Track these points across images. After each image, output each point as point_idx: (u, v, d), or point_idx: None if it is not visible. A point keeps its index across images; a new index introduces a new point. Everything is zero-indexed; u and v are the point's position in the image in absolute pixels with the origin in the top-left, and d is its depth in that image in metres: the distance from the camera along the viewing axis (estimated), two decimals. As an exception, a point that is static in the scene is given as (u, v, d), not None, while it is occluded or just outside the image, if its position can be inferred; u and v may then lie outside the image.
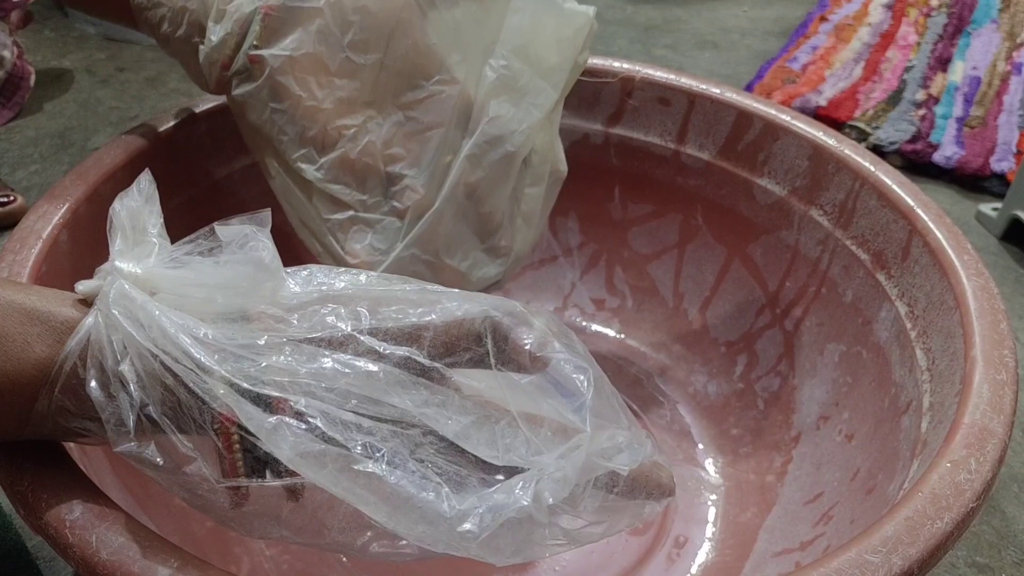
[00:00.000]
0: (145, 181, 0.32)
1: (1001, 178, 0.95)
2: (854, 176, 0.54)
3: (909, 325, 0.48)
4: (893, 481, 0.43)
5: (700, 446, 0.60)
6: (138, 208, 0.31)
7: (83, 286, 0.30)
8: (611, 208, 0.67)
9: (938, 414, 0.42)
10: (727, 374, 0.63)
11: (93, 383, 0.28)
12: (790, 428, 0.57)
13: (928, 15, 1.24)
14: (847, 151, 0.55)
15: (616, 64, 0.63)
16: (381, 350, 0.28)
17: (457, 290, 0.31)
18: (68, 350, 0.28)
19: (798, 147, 0.57)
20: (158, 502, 0.45)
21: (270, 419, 0.27)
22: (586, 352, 0.30)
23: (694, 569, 0.52)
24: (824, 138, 0.56)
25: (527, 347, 0.29)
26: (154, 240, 0.31)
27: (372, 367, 0.28)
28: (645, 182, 0.65)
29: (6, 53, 0.94)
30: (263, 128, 0.43)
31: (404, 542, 0.29)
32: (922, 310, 0.48)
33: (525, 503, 0.27)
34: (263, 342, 0.28)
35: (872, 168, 0.53)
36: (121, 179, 0.50)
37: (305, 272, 0.31)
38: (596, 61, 0.63)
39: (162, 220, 0.31)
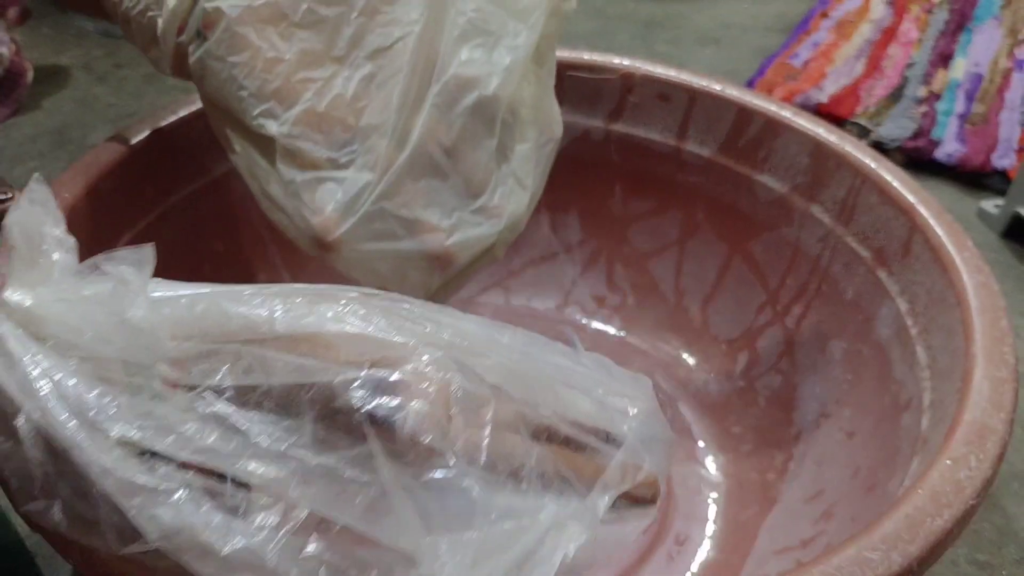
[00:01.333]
0: (36, 187, 0.30)
1: (1003, 175, 0.95)
2: (855, 173, 0.54)
3: (910, 322, 0.48)
4: (893, 478, 0.43)
5: (701, 444, 0.60)
6: (32, 220, 0.29)
7: None
8: (612, 205, 0.67)
9: (938, 411, 0.42)
10: (728, 372, 0.63)
11: None
12: (791, 426, 0.57)
13: (930, 11, 1.24)
14: (848, 148, 0.55)
15: (617, 60, 0.62)
16: (266, 448, 0.26)
17: (358, 334, 0.27)
18: None
19: (799, 144, 0.57)
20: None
21: (135, 500, 0.25)
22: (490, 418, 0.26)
23: (694, 567, 0.52)
24: (825, 135, 0.56)
25: (419, 441, 0.25)
26: (53, 256, 0.29)
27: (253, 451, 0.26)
28: (646, 179, 0.65)
29: (3, 50, 0.93)
30: (223, 89, 0.41)
31: None
32: (923, 307, 0.47)
33: None
34: (141, 408, 0.26)
35: (873, 165, 0.53)
36: (119, 176, 0.50)
37: (201, 307, 0.28)
38: (596, 57, 0.63)
39: (63, 224, 0.29)
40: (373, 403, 0.26)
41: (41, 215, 0.29)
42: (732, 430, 0.60)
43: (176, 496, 0.25)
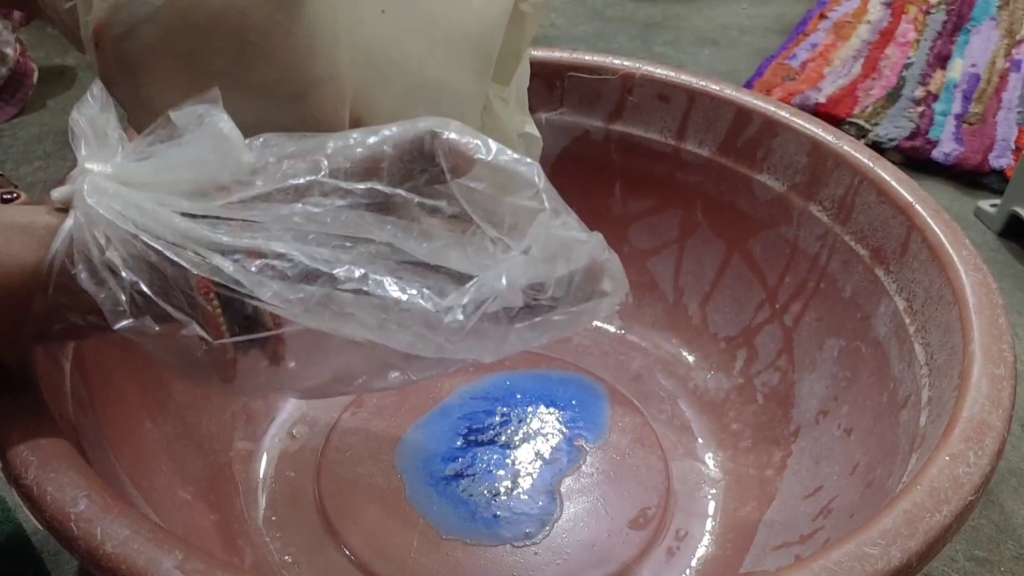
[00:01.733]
0: (97, 89, 0.32)
1: (1000, 174, 0.95)
2: (853, 172, 0.54)
3: (908, 320, 0.49)
4: (892, 475, 0.43)
5: (700, 441, 0.60)
6: (96, 115, 0.32)
7: (58, 192, 0.31)
8: (612, 204, 0.67)
9: (936, 408, 0.42)
10: (727, 369, 0.63)
11: (83, 275, 0.29)
12: (789, 423, 0.57)
13: (927, 12, 1.25)
14: (846, 147, 0.55)
15: (616, 61, 0.63)
16: (345, 186, 0.30)
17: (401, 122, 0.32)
18: (54, 251, 0.30)
19: (797, 143, 0.58)
20: (163, 495, 0.45)
21: (251, 266, 0.28)
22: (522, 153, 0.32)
23: (694, 562, 0.52)
24: (823, 135, 0.56)
25: (476, 156, 0.31)
26: (116, 141, 0.32)
27: (340, 202, 0.30)
28: (645, 178, 0.65)
29: (9, 50, 0.94)
30: None
31: (395, 374, 0.31)
32: (921, 305, 0.48)
33: (501, 286, 0.29)
34: (234, 201, 0.30)
35: (871, 164, 0.54)
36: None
37: (260, 140, 0.31)
38: (596, 58, 0.63)
39: (120, 125, 0.32)
40: (440, 131, 0.31)
41: (103, 115, 0.32)
42: (731, 427, 0.60)
43: (279, 274, 0.29)
